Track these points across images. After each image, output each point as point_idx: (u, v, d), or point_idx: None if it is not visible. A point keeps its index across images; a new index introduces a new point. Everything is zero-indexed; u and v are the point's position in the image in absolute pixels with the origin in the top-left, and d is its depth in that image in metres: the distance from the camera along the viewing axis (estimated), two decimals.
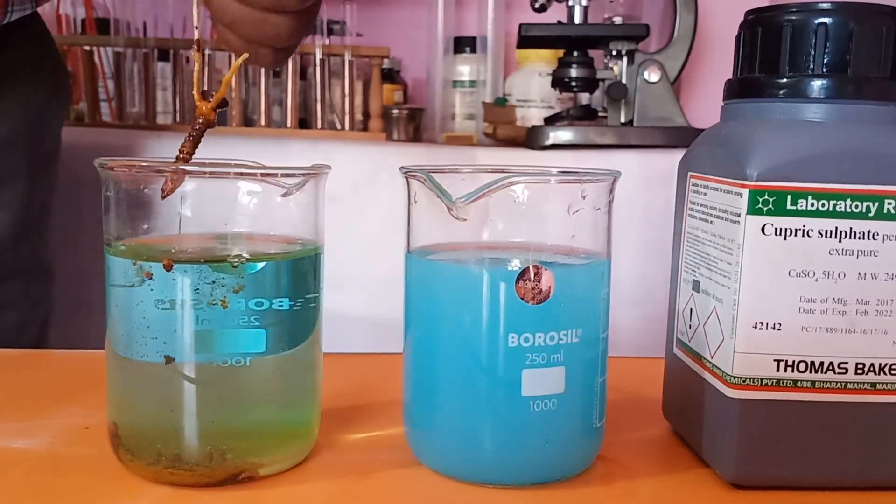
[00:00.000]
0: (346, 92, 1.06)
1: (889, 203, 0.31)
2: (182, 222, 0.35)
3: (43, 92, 0.71)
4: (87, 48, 1.03)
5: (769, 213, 0.31)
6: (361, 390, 0.44)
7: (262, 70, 1.03)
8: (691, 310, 0.36)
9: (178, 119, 1.05)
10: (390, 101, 1.31)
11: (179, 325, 0.31)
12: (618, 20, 1.11)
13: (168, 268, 0.31)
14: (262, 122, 1.03)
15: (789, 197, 0.31)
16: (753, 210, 0.31)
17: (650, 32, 1.00)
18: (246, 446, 0.32)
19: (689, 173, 0.37)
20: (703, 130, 1.02)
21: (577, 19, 1.02)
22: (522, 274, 0.31)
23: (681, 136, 1.00)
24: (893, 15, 0.32)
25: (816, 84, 0.32)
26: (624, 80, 1.01)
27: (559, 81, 1.03)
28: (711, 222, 0.34)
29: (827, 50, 0.32)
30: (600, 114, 1.05)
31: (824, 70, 0.32)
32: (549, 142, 0.98)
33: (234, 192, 0.35)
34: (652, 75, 1.00)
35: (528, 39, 1.03)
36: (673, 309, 0.38)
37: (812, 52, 0.32)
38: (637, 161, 0.96)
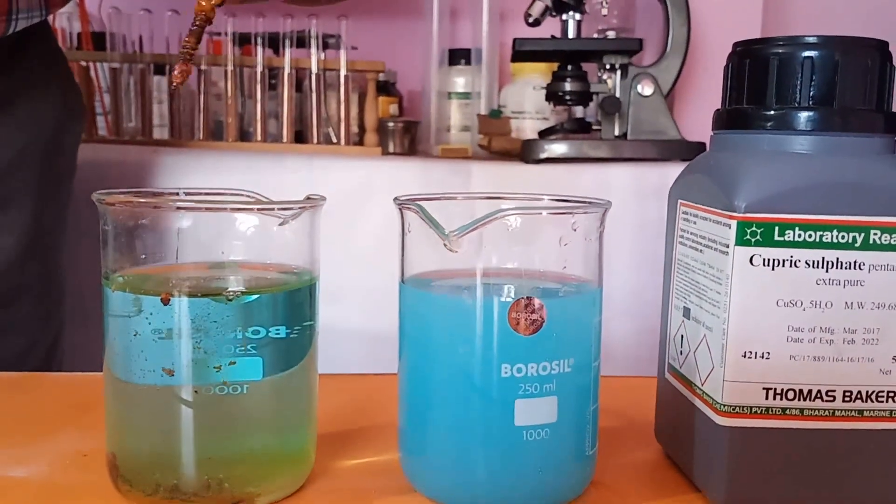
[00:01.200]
0: (341, 105, 1.06)
1: (875, 233, 0.32)
2: (179, 251, 0.35)
3: (55, 112, 0.71)
4: (83, 63, 1.03)
5: (757, 243, 0.32)
6: (356, 413, 0.44)
7: (259, 83, 1.03)
8: (682, 336, 0.36)
9: (174, 133, 1.05)
10: (386, 113, 1.31)
11: (176, 354, 0.32)
12: (611, 34, 1.11)
13: (166, 302, 0.31)
14: (259, 135, 1.03)
15: (777, 228, 0.31)
16: (742, 241, 0.32)
17: (643, 46, 1.01)
18: (243, 475, 0.32)
19: (680, 201, 0.37)
20: (696, 144, 1.03)
21: (571, 33, 1.03)
22: (515, 305, 0.31)
23: (674, 150, 1.00)
24: (879, 48, 0.33)
25: (803, 116, 0.32)
26: (618, 94, 1.02)
27: (553, 95, 1.03)
28: (701, 251, 0.35)
29: (813, 83, 0.32)
30: (594, 127, 1.05)
31: (811, 102, 0.32)
32: (544, 155, 0.99)
33: (231, 223, 0.35)
34: (645, 89, 1.01)
35: (522, 54, 1.03)
36: (664, 334, 0.39)
37: (798, 85, 0.33)
38: (630, 174, 0.96)
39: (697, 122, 1.13)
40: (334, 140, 1.09)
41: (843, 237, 0.32)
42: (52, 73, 0.72)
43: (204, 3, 0.38)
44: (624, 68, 1.01)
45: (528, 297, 0.31)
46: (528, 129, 1.32)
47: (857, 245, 0.32)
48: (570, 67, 1.02)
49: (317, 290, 0.37)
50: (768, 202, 0.31)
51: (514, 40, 1.00)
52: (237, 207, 0.32)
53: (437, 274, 0.35)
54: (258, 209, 0.33)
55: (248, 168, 0.94)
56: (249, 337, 0.33)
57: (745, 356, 0.32)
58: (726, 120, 0.35)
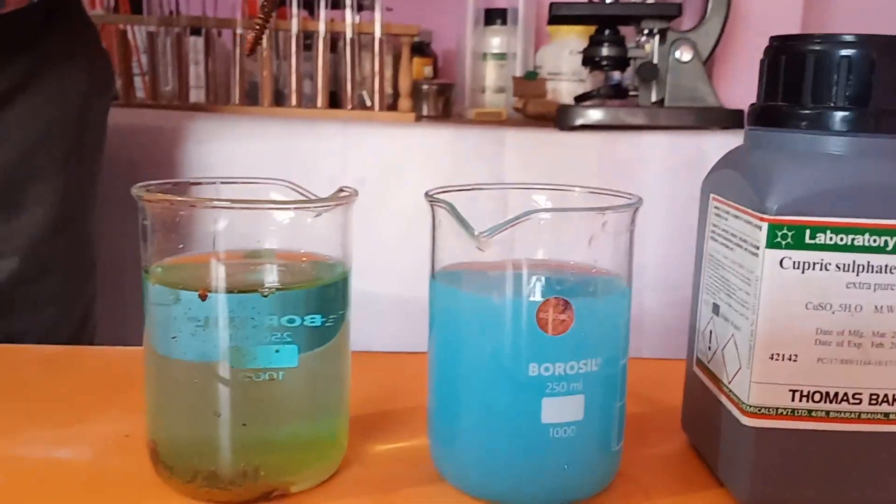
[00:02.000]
0: (375, 68, 1.06)
1: None
2: (216, 241, 0.36)
3: (82, 85, 0.72)
4: (120, 26, 1.04)
5: (787, 246, 0.32)
6: (387, 395, 0.45)
7: (294, 44, 1.03)
8: (711, 331, 0.37)
9: (210, 95, 1.06)
10: (420, 75, 1.31)
11: (212, 343, 0.33)
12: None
13: (203, 298, 0.32)
14: (294, 97, 1.03)
15: (808, 231, 0.31)
16: (772, 244, 0.32)
17: (682, 11, 0.99)
18: (278, 463, 0.34)
19: (712, 195, 0.37)
20: (735, 112, 1.01)
21: None
22: (543, 305, 0.31)
23: (713, 117, 0.99)
24: None
25: (838, 117, 0.32)
26: (655, 59, 1.00)
27: (590, 60, 1.02)
28: (732, 249, 0.34)
29: (849, 82, 0.32)
30: (631, 92, 1.04)
31: (846, 103, 0.32)
32: (579, 122, 0.98)
33: (267, 215, 0.36)
34: (684, 54, 0.99)
35: (558, 17, 1.02)
36: (694, 327, 0.39)
37: (834, 84, 0.32)
38: (666, 144, 0.95)
39: (737, 87, 1.11)
40: (368, 103, 1.09)
41: (874, 241, 0.31)
42: (79, 44, 0.73)
43: None
44: (662, 33, 0.99)
45: (556, 297, 0.31)
46: (564, 90, 1.31)
47: (888, 249, 0.31)
48: (607, 32, 1.01)
49: (349, 280, 0.37)
50: (800, 205, 0.31)
51: (551, 4, 0.98)
52: (272, 206, 0.33)
53: (467, 265, 0.35)
54: (293, 207, 0.33)
55: (283, 134, 0.94)
56: (285, 325, 0.34)
57: (772, 358, 0.32)
58: (761, 116, 0.35)
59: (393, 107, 1.10)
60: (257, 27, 0.37)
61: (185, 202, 0.33)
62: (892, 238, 0.31)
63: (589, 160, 0.96)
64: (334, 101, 1.11)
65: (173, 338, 0.33)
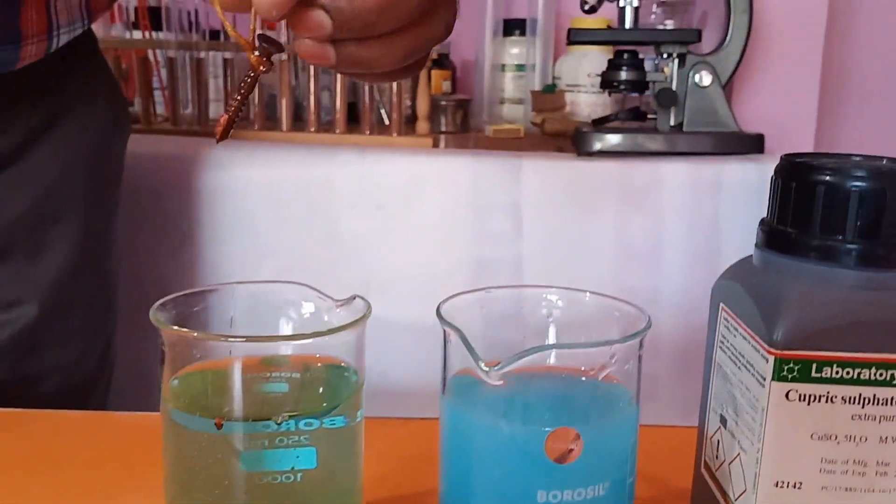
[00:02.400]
0: (394, 88, 1.06)
1: None
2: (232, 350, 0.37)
3: (101, 124, 0.72)
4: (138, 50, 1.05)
5: (794, 379, 0.32)
6: (399, 477, 0.46)
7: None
8: (718, 441, 0.37)
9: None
10: (438, 89, 1.31)
11: (229, 452, 0.33)
12: (669, 23, 1.08)
13: (219, 426, 0.33)
14: (312, 107, 1.03)
15: (815, 365, 0.32)
16: (778, 377, 0.32)
17: (701, 38, 0.98)
18: None
19: (722, 305, 0.38)
20: (754, 136, 1.01)
21: (628, 20, 1.00)
22: (552, 435, 0.32)
23: (732, 142, 0.99)
24: None
25: (848, 250, 0.32)
26: (674, 83, 1.00)
27: (608, 83, 1.02)
28: (739, 368, 0.35)
29: (860, 215, 0.32)
30: (649, 116, 1.04)
31: (856, 236, 0.32)
32: (597, 147, 0.98)
33: (286, 321, 0.37)
34: (703, 79, 0.99)
35: (578, 41, 1.02)
36: (702, 431, 0.40)
37: (845, 217, 0.32)
38: (685, 170, 0.95)
39: (757, 111, 1.11)
40: (386, 121, 1.09)
41: (880, 374, 0.32)
42: (97, 85, 0.73)
43: (254, 59, 0.36)
44: (681, 57, 0.99)
45: (565, 428, 0.32)
46: (583, 102, 1.31)
47: (894, 382, 0.32)
48: (625, 55, 1.00)
49: (363, 387, 0.38)
50: (808, 340, 0.32)
51: (569, 30, 0.98)
52: (287, 336, 0.34)
53: (476, 384, 0.36)
54: (309, 336, 0.34)
55: (301, 161, 0.95)
56: (302, 428, 0.35)
57: (777, 485, 0.33)
58: (771, 239, 0.35)
59: (411, 122, 1.10)
60: (231, 110, 0.36)
61: (202, 338, 0.34)
62: None
63: (607, 187, 0.96)
64: (352, 112, 1.11)
65: (191, 449, 0.34)
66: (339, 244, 0.96)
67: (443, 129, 1.22)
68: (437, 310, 0.36)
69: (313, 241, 0.96)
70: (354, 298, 0.38)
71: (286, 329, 0.38)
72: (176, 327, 0.33)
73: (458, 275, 0.96)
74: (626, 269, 0.96)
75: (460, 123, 1.23)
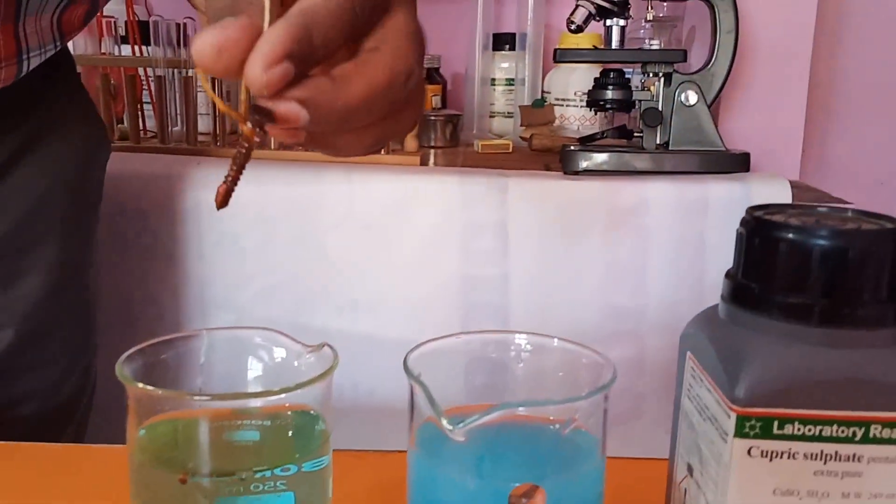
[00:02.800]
0: None
1: (875, 428, 0.32)
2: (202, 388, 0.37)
3: (78, 148, 0.72)
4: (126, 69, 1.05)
5: (756, 436, 0.32)
6: None
7: None
8: (685, 489, 0.37)
9: (216, 127, 1.07)
10: (429, 104, 1.31)
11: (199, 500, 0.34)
12: (655, 43, 1.09)
13: (183, 482, 0.33)
14: None
15: (776, 422, 0.32)
16: (741, 433, 0.32)
17: (687, 58, 0.98)
18: None
19: (689, 353, 0.38)
20: (740, 155, 1.01)
21: (615, 39, 1.01)
22: (515, 491, 0.32)
23: (718, 161, 0.99)
24: (892, 238, 0.33)
25: (811, 307, 0.32)
26: (661, 102, 1.00)
27: (594, 102, 1.02)
28: (704, 420, 0.35)
29: (823, 273, 0.32)
30: (636, 133, 1.04)
31: (820, 293, 0.32)
32: (584, 166, 0.98)
33: (255, 368, 0.37)
34: (689, 98, 0.99)
35: (563, 61, 1.02)
36: (671, 476, 0.40)
37: (808, 274, 0.33)
38: (671, 190, 0.96)
39: (743, 129, 1.11)
40: None
41: (842, 431, 0.32)
42: (74, 107, 0.73)
43: (247, 131, 0.35)
44: (667, 76, 0.99)
45: (528, 484, 0.32)
46: (572, 116, 1.31)
47: (856, 439, 0.32)
48: (612, 75, 1.00)
49: (331, 435, 0.38)
50: (770, 397, 0.32)
51: (555, 50, 0.98)
52: (254, 394, 0.34)
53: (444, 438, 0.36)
54: (276, 393, 0.34)
55: (288, 180, 0.95)
56: (278, 474, 0.35)
57: None
58: (735, 293, 0.35)
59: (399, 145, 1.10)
60: (229, 179, 0.36)
61: (167, 395, 0.34)
62: (860, 429, 0.32)
63: (593, 206, 0.96)
64: None
65: (160, 498, 0.34)
66: (326, 263, 0.96)
67: (433, 143, 1.22)
68: (404, 361, 0.36)
69: (300, 260, 0.96)
70: (324, 346, 0.38)
71: (257, 376, 0.38)
72: (141, 385, 0.33)
73: (445, 294, 0.97)
74: (612, 287, 0.96)
75: (450, 138, 1.23)
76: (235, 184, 0.36)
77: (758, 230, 0.34)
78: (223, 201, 0.36)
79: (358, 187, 0.95)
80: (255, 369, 0.39)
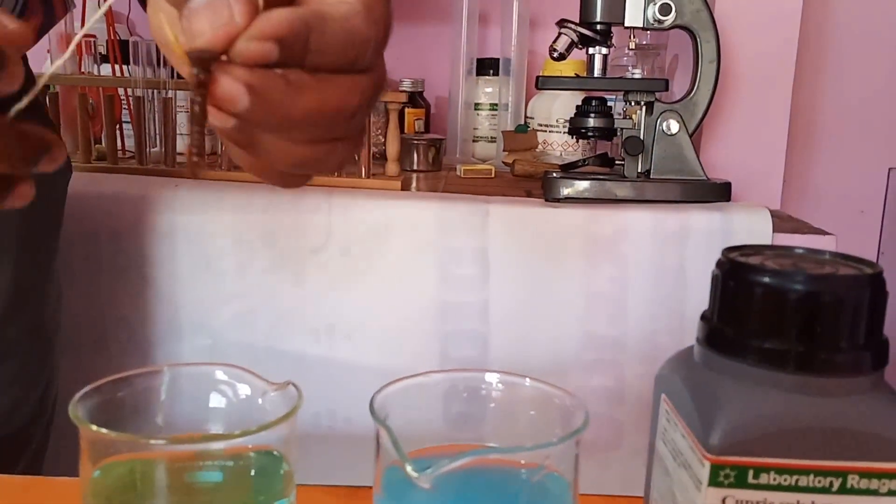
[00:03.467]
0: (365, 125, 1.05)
1: (853, 478, 0.31)
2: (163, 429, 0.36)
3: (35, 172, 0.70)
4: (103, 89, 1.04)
5: (730, 485, 0.31)
6: None
7: None
8: None
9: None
10: (411, 128, 1.31)
11: None
12: (637, 72, 1.09)
13: None
14: None
15: (751, 471, 0.31)
16: (714, 482, 0.31)
17: (669, 87, 0.98)
18: None
19: (664, 395, 0.37)
20: (721, 185, 1.01)
21: (597, 68, 1.00)
22: None
23: (699, 190, 0.99)
24: (871, 282, 0.32)
25: (785, 354, 0.32)
26: (642, 131, 1.00)
27: (576, 130, 1.02)
28: (678, 465, 0.34)
29: (798, 319, 0.32)
30: (618, 161, 1.04)
31: (795, 339, 0.32)
32: (565, 193, 0.97)
33: (217, 408, 0.36)
34: (671, 126, 0.99)
35: (546, 88, 1.02)
36: None
37: (783, 320, 0.32)
38: (650, 219, 0.95)
39: (724, 158, 1.11)
40: (355, 157, 1.09)
41: (819, 482, 0.31)
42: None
43: (189, 74, 0.31)
44: (649, 105, 0.99)
45: None
46: (555, 142, 1.31)
47: (833, 490, 0.31)
48: (594, 102, 1.00)
49: (294, 476, 0.37)
50: (744, 446, 0.31)
51: (537, 78, 0.98)
52: (213, 436, 0.33)
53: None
54: (237, 436, 0.33)
55: (268, 206, 0.94)
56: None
57: None
58: (710, 336, 0.34)
59: (382, 160, 1.09)
60: (194, 143, 0.32)
61: (122, 439, 0.32)
62: (837, 479, 0.31)
63: (573, 234, 0.95)
64: None
65: None
66: (303, 288, 0.95)
67: (415, 167, 1.21)
68: (371, 403, 0.35)
69: (277, 284, 0.95)
70: (288, 385, 0.37)
71: (220, 414, 0.37)
72: (94, 427, 0.32)
73: (424, 320, 0.96)
74: (591, 316, 0.96)
75: (432, 162, 1.23)
76: (202, 146, 0.32)
77: (733, 273, 0.34)
78: (194, 167, 0.32)
79: (337, 211, 0.94)
80: (217, 407, 0.37)
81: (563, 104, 1.28)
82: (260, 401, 0.37)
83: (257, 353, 0.96)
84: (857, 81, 1.35)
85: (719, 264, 0.35)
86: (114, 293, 0.95)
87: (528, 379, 0.38)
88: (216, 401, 0.37)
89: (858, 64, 1.35)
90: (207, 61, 0.30)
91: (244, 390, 0.37)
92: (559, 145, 1.31)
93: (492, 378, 0.38)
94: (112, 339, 0.96)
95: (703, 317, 0.36)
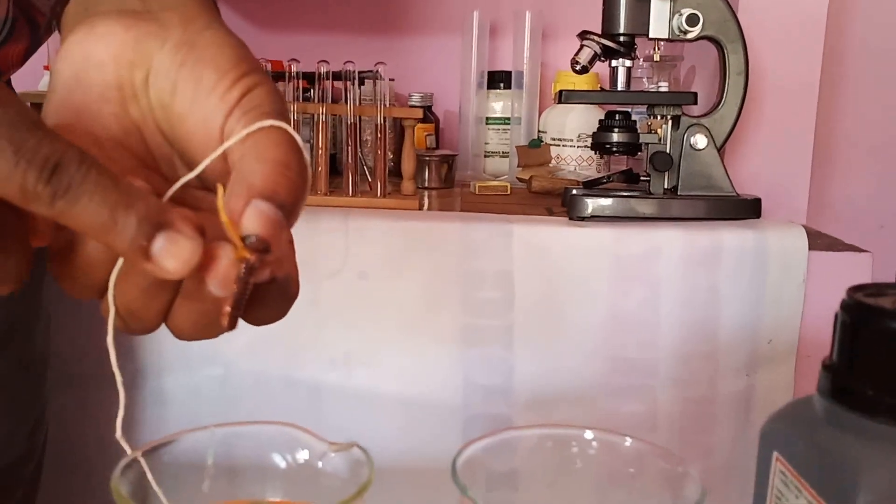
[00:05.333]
0: (378, 147, 1.01)
1: None
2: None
3: None
4: None
5: None
6: None
7: (293, 118, 0.99)
8: None
9: None
10: (422, 143, 1.27)
11: None
12: (664, 86, 1.05)
13: None
14: None
15: None
16: None
17: (697, 101, 0.95)
18: None
19: (776, 454, 0.33)
20: (751, 201, 0.97)
21: (621, 80, 0.97)
22: None
23: (728, 207, 0.95)
24: None
25: None
26: (668, 145, 0.96)
27: (600, 146, 0.98)
28: None
29: None
30: (642, 177, 1.00)
31: None
32: (589, 212, 0.94)
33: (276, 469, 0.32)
34: (699, 142, 0.95)
35: (569, 102, 0.98)
36: None
37: None
38: (681, 236, 0.91)
39: (752, 172, 1.08)
40: (368, 177, 1.05)
41: None
42: None
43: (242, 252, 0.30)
44: (675, 119, 0.95)
45: None
46: (568, 157, 1.27)
47: None
48: (617, 117, 0.97)
49: None
50: None
51: (560, 92, 0.94)
52: None
53: None
54: None
55: None
56: None
57: None
58: (839, 390, 0.30)
59: (394, 177, 1.05)
60: (233, 301, 0.30)
61: None
62: None
63: (600, 254, 0.91)
64: (333, 164, 1.07)
65: None
66: (319, 314, 0.91)
67: (427, 184, 1.18)
68: (453, 466, 0.31)
69: (292, 310, 0.90)
70: (353, 447, 0.33)
71: (274, 480, 0.33)
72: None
73: (446, 346, 0.91)
74: (620, 340, 0.92)
75: (445, 179, 1.19)
76: (240, 307, 0.31)
77: (866, 318, 0.30)
78: (231, 323, 0.30)
79: (354, 234, 0.90)
80: (272, 472, 0.33)
81: (577, 118, 1.25)
82: (320, 464, 0.33)
83: (271, 383, 0.92)
84: (877, 94, 1.33)
85: (846, 307, 0.31)
86: (80, 323, 0.90)
87: (628, 439, 0.34)
88: (269, 464, 0.33)
89: (880, 74, 1.33)
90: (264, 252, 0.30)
91: (301, 455, 0.33)
92: (573, 160, 1.27)
93: (589, 434, 0.34)
94: (109, 368, 0.91)
95: (827, 366, 0.32)
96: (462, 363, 0.92)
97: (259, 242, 0.30)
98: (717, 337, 0.92)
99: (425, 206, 1.04)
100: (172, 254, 0.29)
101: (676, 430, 0.93)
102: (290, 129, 0.33)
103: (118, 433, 0.31)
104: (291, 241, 0.35)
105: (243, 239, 0.30)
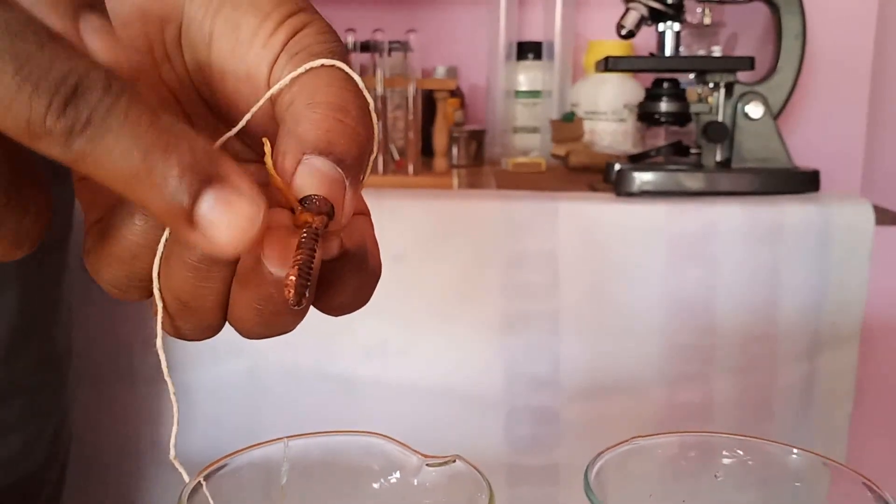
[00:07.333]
0: (410, 122, 0.95)
1: None
2: None
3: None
4: None
5: None
6: None
7: None
8: None
9: None
10: (451, 120, 1.20)
11: None
12: (716, 50, 0.99)
13: None
14: None
15: None
16: None
17: (755, 65, 0.88)
18: None
19: None
20: (809, 173, 0.91)
21: (669, 46, 0.91)
22: None
23: (785, 181, 0.89)
24: None
25: None
26: (721, 114, 0.90)
27: (647, 116, 0.92)
28: None
29: None
30: (692, 150, 0.94)
31: None
32: (637, 188, 0.88)
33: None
34: (754, 111, 0.89)
35: (616, 69, 0.92)
36: None
37: None
38: (740, 213, 0.85)
39: (809, 144, 1.01)
40: (396, 156, 0.99)
41: None
42: None
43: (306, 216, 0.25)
44: (729, 87, 0.89)
45: None
46: (602, 131, 1.21)
47: None
48: (665, 85, 0.90)
49: None
50: None
51: (607, 59, 0.88)
52: None
53: None
54: None
55: None
56: None
57: None
58: None
59: (427, 157, 0.99)
60: (298, 270, 0.23)
61: None
62: None
63: (652, 232, 0.85)
64: None
65: None
66: None
67: (455, 162, 1.12)
68: (585, 478, 0.25)
69: None
70: (455, 460, 0.27)
71: (362, 500, 0.27)
72: None
73: (487, 333, 0.86)
74: (675, 324, 0.86)
75: (474, 156, 1.13)
76: (307, 279, 0.23)
77: None
78: (297, 299, 0.23)
79: (387, 214, 0.84)
80: (358, 491, 0.27)
81: (611, 90, 1.18)
82: (415, 481, 0.27)
83: (302, 375, 0.86)
84: None
85: None
86: (137, 311, 0.85)
87: (795, 450, 0.28)
88: (355, 483, 0.27)
89: None
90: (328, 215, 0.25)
91: (392, 473, 0.27)
92: (607, 135, 1.21)
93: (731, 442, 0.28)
94: (138, 364, 0.86)
95: None
96: (504, 352, 0.86)
97: (322, 203, 0.24)
98: (776, 320, 0.86)
99: (456, 185, 0.97)
100: (225, 219, 0.21)
101: (733, 421, 0.88)
102: (347, 68, 0.26)
103: (172, 454, 0.25)
104: (365, 208, 0.29)
105: (301, 202, 0.24)
